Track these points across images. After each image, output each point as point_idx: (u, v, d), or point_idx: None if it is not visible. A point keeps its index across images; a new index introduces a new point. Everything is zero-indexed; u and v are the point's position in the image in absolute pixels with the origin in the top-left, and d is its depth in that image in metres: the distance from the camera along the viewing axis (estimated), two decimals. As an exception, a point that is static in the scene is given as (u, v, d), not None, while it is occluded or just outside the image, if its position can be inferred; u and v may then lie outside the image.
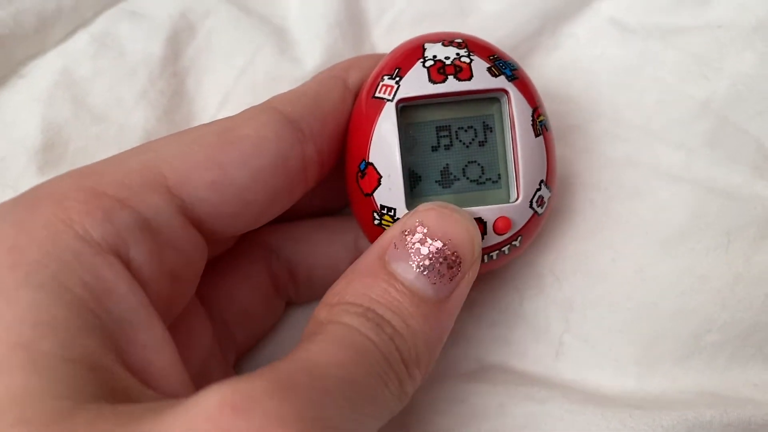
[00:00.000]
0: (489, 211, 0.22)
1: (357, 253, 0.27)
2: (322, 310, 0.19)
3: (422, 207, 0.21)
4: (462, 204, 0.22)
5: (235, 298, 0.25)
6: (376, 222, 0.22)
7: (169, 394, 0.17)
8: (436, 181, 0.23)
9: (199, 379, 0.22)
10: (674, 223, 0.26)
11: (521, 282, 0.27)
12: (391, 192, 0.22)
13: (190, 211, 0.20)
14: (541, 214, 0.23)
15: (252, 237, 0.25)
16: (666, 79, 0.28)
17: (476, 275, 0.21)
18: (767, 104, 0.26)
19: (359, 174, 0.22)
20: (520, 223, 0.22)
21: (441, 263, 0.19)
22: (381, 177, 0.22)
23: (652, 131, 0.27)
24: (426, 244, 0.20)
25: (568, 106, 0.28)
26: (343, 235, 0.27)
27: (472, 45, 0.23)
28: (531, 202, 0.22)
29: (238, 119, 0.21)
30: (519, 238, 0.23)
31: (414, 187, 0.22)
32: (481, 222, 0.22)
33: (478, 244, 0.20)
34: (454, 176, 0.23)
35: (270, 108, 0.21)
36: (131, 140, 0.28)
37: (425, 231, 0.20)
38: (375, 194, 0.22)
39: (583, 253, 0.26)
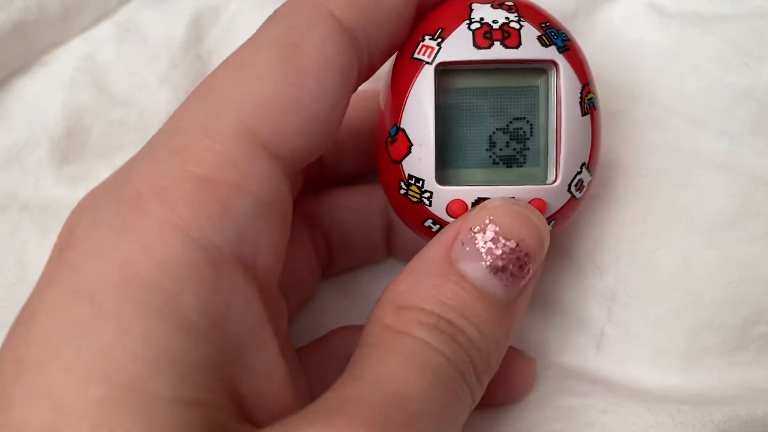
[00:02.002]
0: (523, 192, 0.20)
1: (387, 220, 0.26)
2: (387, 313, 0.18)
3: (490, 203, 0.19)
4: (495, 181, 0.21)
5: (289, 267, 0.24)
6: (402, 191, 0.21)
7: (271, 419, 0.16)
8: (469, 155, 0.21)
9: None
10: (719, 211, 0.25)
11: (559, 271, 0.26)
12: (421, 162, 0.20)
13: (289, 169, 0.18)
14: (579, 198, 0.21)
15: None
16: (706, 66, 0.27)
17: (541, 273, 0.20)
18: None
19: (389, 139, 0.21)
20: (555, 206, 0.21)
21: (513, 264, 0.18)
22: (411, 145, 0.20)
23: (694, 118, 0.26)
24: (498, 243, 0.18)
25: (607, 91, 0.27)
26: (377, 200, 0.26)
27: (523, 9, 0.21)
28: (570, 185, 0.21)
29: (291, 34, 0.18)
30: (552, 222, 0.21)
31: (445, 159, 0.21)
32: None
33: (548, 242, 0.19)
34: (489, 151, 0.21)
35: (326, 14, 0.19)
36: (154, 124, 0.27)
37: (497, 229, 0.19)
38: (404, 162, 0.21)
39: (626, 242, 0.25)
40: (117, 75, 0.27)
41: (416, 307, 0.18)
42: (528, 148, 0.21)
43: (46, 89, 0.27)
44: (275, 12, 0.19)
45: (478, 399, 0.19)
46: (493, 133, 0.21)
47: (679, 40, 0.27)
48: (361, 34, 0.19)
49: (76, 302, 0.15)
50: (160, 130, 0.18)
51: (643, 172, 0.26)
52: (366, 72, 0.21)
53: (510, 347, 0.22)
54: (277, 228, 0.18)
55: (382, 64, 0.21)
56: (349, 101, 0.20)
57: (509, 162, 0.21)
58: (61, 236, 0.16)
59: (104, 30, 0.28)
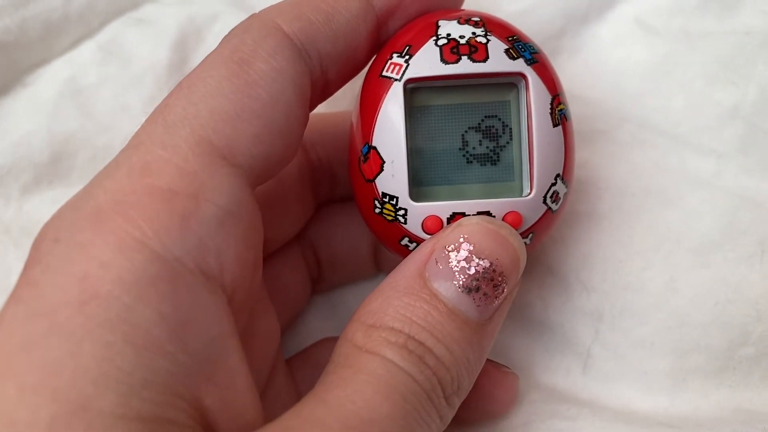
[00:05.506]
0: (498, 205, 0.20)
1: (372, 237, 0.26)
2: (357, 332, 0.18)
3: (466, 221, 0.19)
4: (469, 196, 0.21)
5: (279, 281, 0.24)
6: (377, 210, 0.21)
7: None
8: (442, 171, 0.21)
9: (268, 381, 0.22)
10: (706, 231, 0.25)
11: (546, 290, 0.26)
12: (393, 179, 0.20)
13: (249, 176, 0.18)
14: (556, 211, 0.21)
15: None
16: (693, 85, 0.27)
17: (516, 292, 0.20)
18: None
19: (361, 158, 0.21)
20: (531, 219, 0.21)
21: (487, 284, 0.18)
22: (384, 163, 0.20)
23: (680, 137, 0.26)
24: (472, 262, 0.18)
25: (593, 110, 0.27)
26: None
27: (490, 24, 0.21)
28: (545, 197, 0.21)
29: (240, 50, 0.18)
30: (530, 235, 0.21)
31: (418, 175, 0.21)
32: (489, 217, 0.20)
33: (523, 261, 0.19)
34: (463, 166, 0.21)
35: (275, 29, 0.19)
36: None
37: (471, 248, 0.18)
38: (377, 181, 0.21)
39: (612, 262, 0.25)
40: (101, 99, 0.27)
41: (386, 326, 0.18)
42: (501, 164, 0.21)
43: (29, 113, 0.27)
44: (229, 32, 0.19)
45: (447, 421, 0.18)
46: (465, 150, 0.21)
47: (665, 58, 0.27)
48: (311, 47, 0.19)
49: (33, 318, 0.15)
50: (122, 149, 0.18)
51: (630, 192, 0.26)
52: (323, 85, 0.21)
53: (490, 361, 0.22)
54: (243, 237, 0.17)
55: (344, 78, 0.22)
56: (307, 112, 0.20)
57: (482, 179, 0.21)
58: (29, 253, 0.16)
59: (87, 51, 0.28)
